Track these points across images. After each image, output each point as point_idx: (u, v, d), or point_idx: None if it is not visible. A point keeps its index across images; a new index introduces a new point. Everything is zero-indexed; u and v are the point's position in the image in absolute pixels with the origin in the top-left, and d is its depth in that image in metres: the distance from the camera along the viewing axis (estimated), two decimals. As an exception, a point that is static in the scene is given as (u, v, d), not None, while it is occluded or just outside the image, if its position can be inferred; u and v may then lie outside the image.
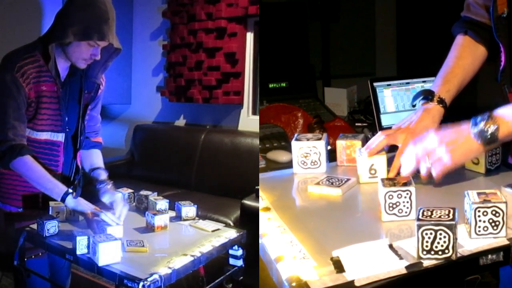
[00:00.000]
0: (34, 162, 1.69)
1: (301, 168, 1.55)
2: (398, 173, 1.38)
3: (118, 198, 1.76)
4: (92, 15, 1.64)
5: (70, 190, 1.67)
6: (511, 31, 1.48)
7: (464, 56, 1.62)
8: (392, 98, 2.11)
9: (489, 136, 1.23)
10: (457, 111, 2.07)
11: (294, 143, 1.55)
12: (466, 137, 1.27)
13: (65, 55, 1.73)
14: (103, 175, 1.90)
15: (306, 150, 1.54)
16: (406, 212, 1.19)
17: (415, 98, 1.58)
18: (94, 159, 1.98)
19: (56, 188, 1.68)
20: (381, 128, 2.06)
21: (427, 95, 1.54)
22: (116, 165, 3.98)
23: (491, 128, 1.23)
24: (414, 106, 1.59)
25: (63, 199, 1.66)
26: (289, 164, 1.59)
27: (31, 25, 3.58)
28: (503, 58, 1.52)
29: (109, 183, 1.85)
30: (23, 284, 1.67)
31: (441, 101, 1.52)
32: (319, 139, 1.55)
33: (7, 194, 1.81)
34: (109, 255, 1.37)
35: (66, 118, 1.80)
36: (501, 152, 1.44)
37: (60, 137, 1.79)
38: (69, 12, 1.67)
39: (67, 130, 1.82)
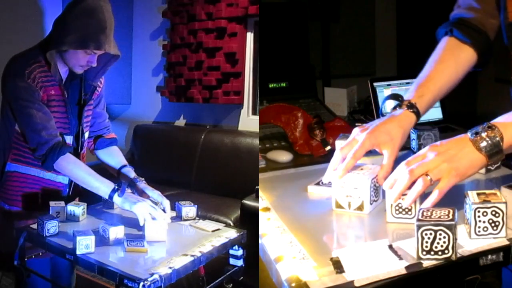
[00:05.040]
0: (76, 161, 1.71)
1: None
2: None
3: (157, 193, 1.76)
4: (90, 24, 1.64)
5: (116, 187, 1.67)
6: None
7: (444, 59, 1.46)
8: (392, 98, 2.11)
9: (493, 146, 1.14)
10: (457, 115, 2.08)
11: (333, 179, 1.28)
12: (467, 149, 1.15)
13: (63, 60, 1.74)
14: (132, 172, 1.90)
15: (348, 192, 1.27)
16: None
17: (383, 104, 1.45)
18: (116, 157, 1.97)
19: (102, 186, 1.68)
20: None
21: (395, 100, 1.39)
22: (116, 165, 3.98)
23: (494, 137, 1.14)
24: (383, 115, 1.42)
25: (110, 197, 1.66)
26: (289, 164, 1.59)
27: (32, 29, 3.58)
28: None
29: (143, 179, 1.85)
30: (23, 284, 1.66)
31: (411, 106, 1.36)
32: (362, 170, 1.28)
33: (8, 194, 1.80)
34: (156, 232, 1.54)
35: (73, 121, 1.80)
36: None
37: (68, 139, 1.80)
38: (67, 20, 1.68)
39: None
